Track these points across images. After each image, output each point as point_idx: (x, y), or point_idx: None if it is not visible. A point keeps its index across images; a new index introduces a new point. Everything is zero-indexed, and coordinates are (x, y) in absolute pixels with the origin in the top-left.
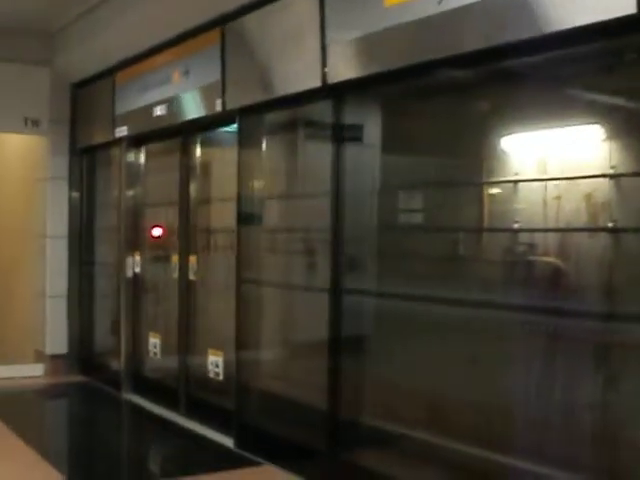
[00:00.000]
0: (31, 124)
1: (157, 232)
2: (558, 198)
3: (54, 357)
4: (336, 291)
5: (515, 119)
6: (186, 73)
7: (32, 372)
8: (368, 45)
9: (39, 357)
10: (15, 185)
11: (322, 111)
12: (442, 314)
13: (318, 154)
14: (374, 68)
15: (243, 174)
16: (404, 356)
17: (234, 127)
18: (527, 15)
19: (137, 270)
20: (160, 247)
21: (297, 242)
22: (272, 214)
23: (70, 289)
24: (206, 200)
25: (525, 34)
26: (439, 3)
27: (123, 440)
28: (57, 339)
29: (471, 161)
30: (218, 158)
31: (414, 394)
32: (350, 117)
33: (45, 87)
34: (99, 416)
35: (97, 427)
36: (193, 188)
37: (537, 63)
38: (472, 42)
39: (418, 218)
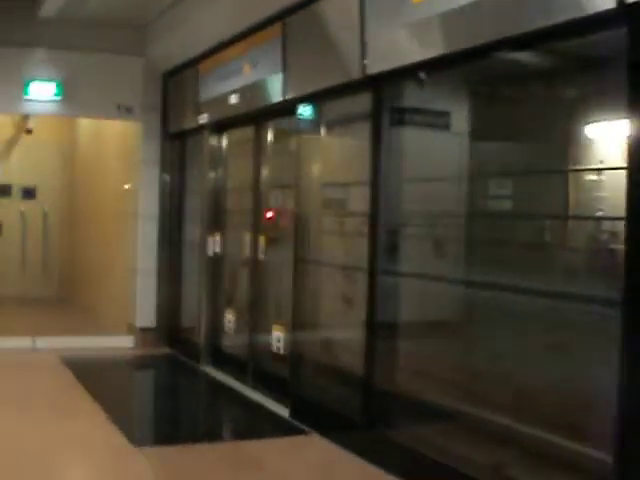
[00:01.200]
0: (124, 110)
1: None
2: None
3: (144, 330)
4: (372, 272)
5: (601, 106)
6: (255, 64)
7: (123, 343)
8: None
9: (130, 330)
10: (114, 168)
11: (363, 101)
12: (526, 303)
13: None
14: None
15: (301, 161)
16: (483, 341)
17: (306, 114)
18: None
19: (217, 250)
20: (236, 228)
21: (355, 225)
22: (331, 199)
23: (159, 266)
24: (275, 185)
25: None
26: None
27: (191, 408)
28: (147, 313)
29: (556, 148)
30: (288, 145)
31: (489, 378)
32: (436, 104)
33: (138, 76)
34: (175, 386)
35: (170, 396)
36: (264, 173)
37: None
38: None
39: (503, 205)
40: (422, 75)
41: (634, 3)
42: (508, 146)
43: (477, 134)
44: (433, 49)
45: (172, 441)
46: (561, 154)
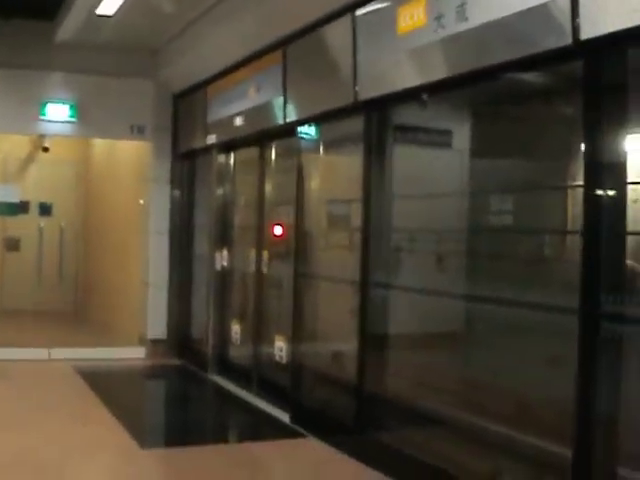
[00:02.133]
0: (137, 131)
1: (278, 231)
2: (636, 202)
3: (155, 341)
4: (365, 285)
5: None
6: (258, 88)
7: (135, 354)
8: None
9: (142, 341)
10: (127, 186)
11: (356, 123)
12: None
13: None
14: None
15: (301, 179)
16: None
17: (306, 135)
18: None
19: (224, 264)
20: (242, 243)
21: (352, 240)
22: (328, 215)
23: (170, 280)
24: (278, 202)
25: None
26: (435, 31)
27: (198, 414)
28: (158, 325)
29: (556, 165)
30: (290, 164)
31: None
32: (439, 123)
33: (149, 98)
34: (183, 394)
35: (179, 403)
36: (268, 191)
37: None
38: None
39: (503, 220)
40: (424, 96)
41: (587, 40)
42: (502, 164)
43: (475, 152)
44: (415, 78)
45: (179, 443)
46: (560, 171)
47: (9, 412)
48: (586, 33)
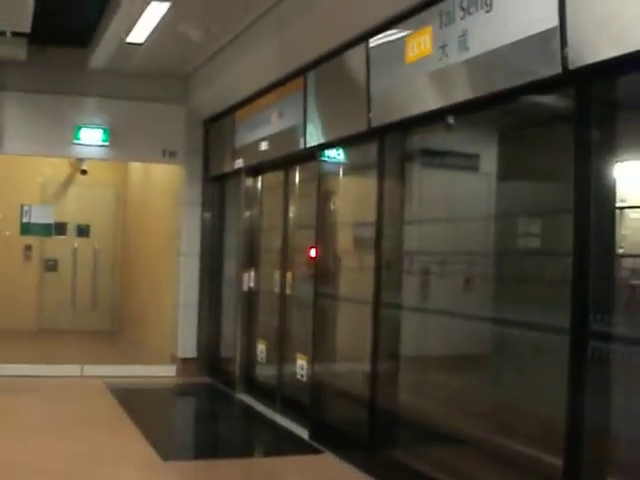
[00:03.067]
0: (169, 155)
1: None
2: None
3: (185, 360)
4: (376, 305)
5: (622, 147)
6: (281, 114)
7: (166, 372)
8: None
9: (173, 360)
10: (160, 209)
11: (371, 148)
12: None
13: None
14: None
15: (321, 202)
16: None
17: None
18: None
19: (251, 285)
20: (268, 264)
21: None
22: (348, 237)
23: (200, 300)
24: (301, 224)
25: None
26: (440, 60)
27: (221, 430)
28: (188, 344)
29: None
30: (313, 188)
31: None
32: (466, 147)
33: (181, 123)
34: (208, 411)
35: (203, 420)
36: (292, 214)
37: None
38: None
39: (529, 243)
40: (450, 119)
41: (576, 69)
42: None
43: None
44: (424, 105)
45: (200, 457)
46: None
47: (38, 423)
48: (574, 62)
